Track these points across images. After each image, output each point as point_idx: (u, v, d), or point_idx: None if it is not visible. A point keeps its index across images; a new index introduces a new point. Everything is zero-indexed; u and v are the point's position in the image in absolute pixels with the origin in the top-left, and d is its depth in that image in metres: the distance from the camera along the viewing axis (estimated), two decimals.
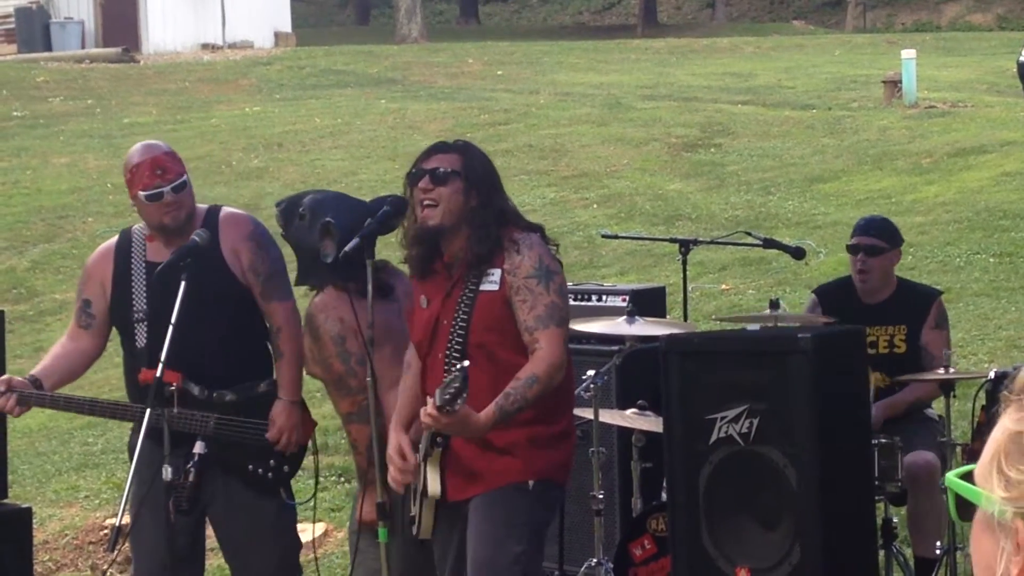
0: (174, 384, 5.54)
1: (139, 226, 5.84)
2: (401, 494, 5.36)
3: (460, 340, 5.19)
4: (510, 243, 5.19)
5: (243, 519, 5.76)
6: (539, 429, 5.20)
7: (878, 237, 6.93)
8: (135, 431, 5.76)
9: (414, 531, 5.31)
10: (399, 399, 5.37)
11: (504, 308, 5.17)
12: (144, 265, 5.72)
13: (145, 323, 5.67)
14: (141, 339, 5.65)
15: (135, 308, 5.67)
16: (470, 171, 5.25)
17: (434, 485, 5.19)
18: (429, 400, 4.95)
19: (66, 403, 5.75)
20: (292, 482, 5.97)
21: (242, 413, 5.72)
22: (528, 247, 5.20)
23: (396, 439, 5.31)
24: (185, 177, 5.71)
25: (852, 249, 6.97)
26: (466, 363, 4.91)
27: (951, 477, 1.72)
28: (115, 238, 5.88)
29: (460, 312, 5.20)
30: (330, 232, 5.41)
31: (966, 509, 1.71)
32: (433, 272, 5.29)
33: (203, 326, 5.60)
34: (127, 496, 5.49)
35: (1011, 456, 1.65)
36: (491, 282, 5.20)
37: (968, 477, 1.71)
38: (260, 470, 5.74)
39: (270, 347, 5.82)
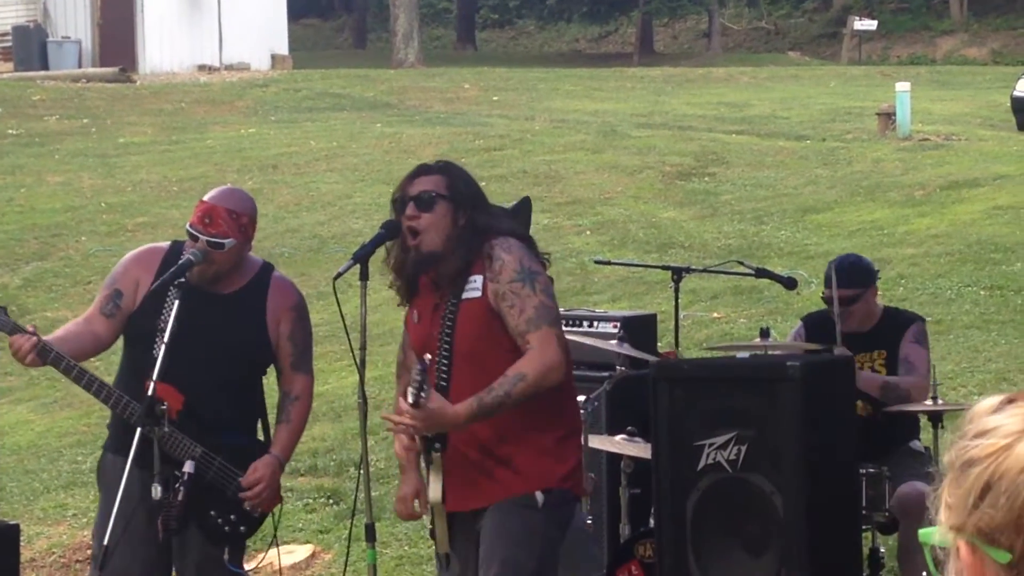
0: (166, 404, 5.52)
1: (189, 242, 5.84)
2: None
3: (447, 350, 5.18)
4: (488, 249, 5.16)
5: (193, 559, 5.72)
6: (540, 436, 5.15)
7: (849, 286, 6.70)
8: (110, 449, 5.79)
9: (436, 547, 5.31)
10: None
11: (488, 314, 5.14)
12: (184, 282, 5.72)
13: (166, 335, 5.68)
14: (159, 349, 5.61)
15: (162, 319, 5.64)
16: (455, 192, 5.23)
17: (435, 492, 5.17)
18: (401, 401, 4.98)
19: (78, 374, 5.62)
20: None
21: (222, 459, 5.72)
22: (506, 251, 5.15)
23: (398, 442, 5.35)
24: (228, 241, 5.64)
25: (826, 301, 6.74)
26: (427, 356, 4.94)
27: (922, 532, 1.76)
28: (167, 244, 5.88)
29: (445, 323, 5.19)
30: None
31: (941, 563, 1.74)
32: (419, 290, 5.30)
33: (215, 366, 5.65)
34: (114, 516, 5.47)
35: (951, 484, 1.71)
36: (473, 289, 5.17)
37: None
38: (220, 519, 5.71)
39: (278, 409, 5.84)
